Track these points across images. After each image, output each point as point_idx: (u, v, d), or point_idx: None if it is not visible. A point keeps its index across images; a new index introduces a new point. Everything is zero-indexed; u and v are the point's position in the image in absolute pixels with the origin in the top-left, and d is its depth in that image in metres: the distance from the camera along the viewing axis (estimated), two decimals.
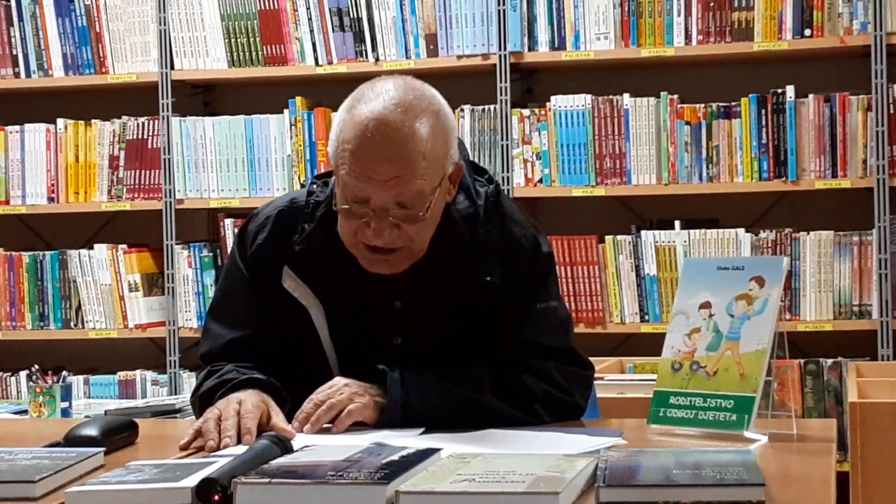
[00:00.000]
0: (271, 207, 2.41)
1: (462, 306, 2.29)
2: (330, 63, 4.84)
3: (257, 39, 4.90)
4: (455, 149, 2.25)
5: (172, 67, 4.96)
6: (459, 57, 4.76)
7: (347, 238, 2.22)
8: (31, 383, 3.70)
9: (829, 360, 4.50)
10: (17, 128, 5.12)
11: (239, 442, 2.06)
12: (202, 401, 2.28)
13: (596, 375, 2.49)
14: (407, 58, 4.77)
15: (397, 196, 2.15)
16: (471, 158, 2.45)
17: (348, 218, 2.20)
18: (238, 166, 4.93)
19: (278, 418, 2.14)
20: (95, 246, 5.06)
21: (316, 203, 2.33)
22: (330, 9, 4.84)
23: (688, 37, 4.61)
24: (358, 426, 2.16)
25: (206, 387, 2.30)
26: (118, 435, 2.13)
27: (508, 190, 4.65)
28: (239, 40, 4.92)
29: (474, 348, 2.31)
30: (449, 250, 2.28)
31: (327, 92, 4.82)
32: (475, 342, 2.31)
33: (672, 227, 4.64)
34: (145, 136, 5.01)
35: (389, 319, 2.31)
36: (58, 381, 3.68)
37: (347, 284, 2.30)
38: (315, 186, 2.37)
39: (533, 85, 4.95)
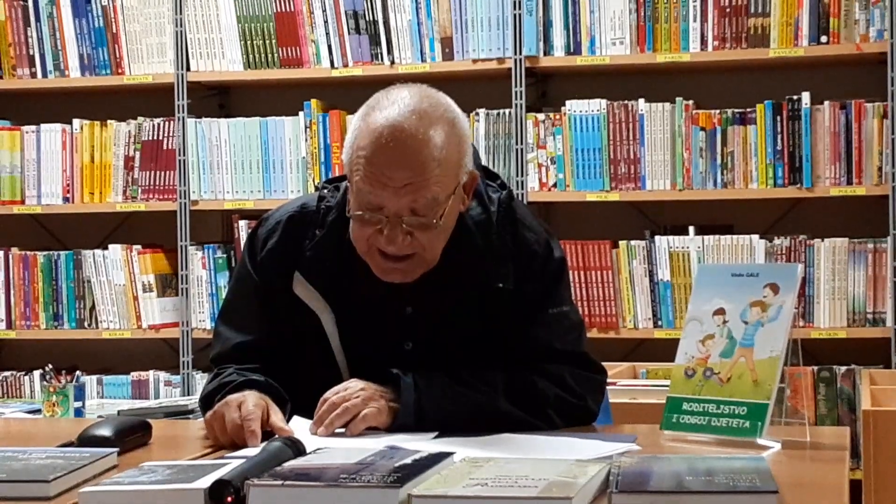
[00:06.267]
0: (282, 212, 2.40)
1: (474, 312, 2.29)
2: (345, 66, 4.84)
3: (273, 41, 4.91)
4: (469, 157, 2.25)
5: (188, 69, 4.98)
6: (475, 61, 4.76)
7: (361, 245, 2.22)
8: (45, 383, 3.70)
9: (843, 368, 4.49)
10: (32, 128, 5.13)
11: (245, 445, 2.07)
12: (203, 404, 2.30)
13: (609, 381, 2.49)
14: (422, 61, 4.78)
15: (411, 203, 2.15)
16: (483, 163, 2.45)
17: (362, 225, 2.20)
18: (253, 168, 4.94)
19: (277, 417, 2.15)
20: (110, 246, 5.08)
21: (327, 208, 2.33)
22: (346, 11, 4.84)
23: (703, 42, 4.60)
24: (371, 429, 2.17)
25: (206, 390, 2.31)
26: (131, 435, 2.13)
27: (523, 194, 4.65)
28: (255, 42, 4.93)
29: (486, 353, 2.31)
30: (461, 257, 2.28)
31: (342, 95, 4.83)
32: (487, 347, 2.31)
33: (686, 233, 4.63)
34: (160, 138, 5.02)
35: (400, 325, 2.31)
36: (71, 381, 3.68)
37: (358, 290, 2.30)
38: (326, 191, 2.36)
39: (548, 89, 4.95)
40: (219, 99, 5.20)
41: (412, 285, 2.28)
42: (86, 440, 2.06)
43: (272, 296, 2.34)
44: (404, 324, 2.31)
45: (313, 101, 4.89)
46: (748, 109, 4.59)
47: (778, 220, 4.76)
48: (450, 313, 2.29)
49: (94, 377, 5.02)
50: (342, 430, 2.15)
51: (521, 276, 2.31)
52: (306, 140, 4.88)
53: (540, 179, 4.72)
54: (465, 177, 2.23)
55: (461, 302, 2.29)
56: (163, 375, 5.03)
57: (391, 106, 2.17)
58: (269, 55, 4.92)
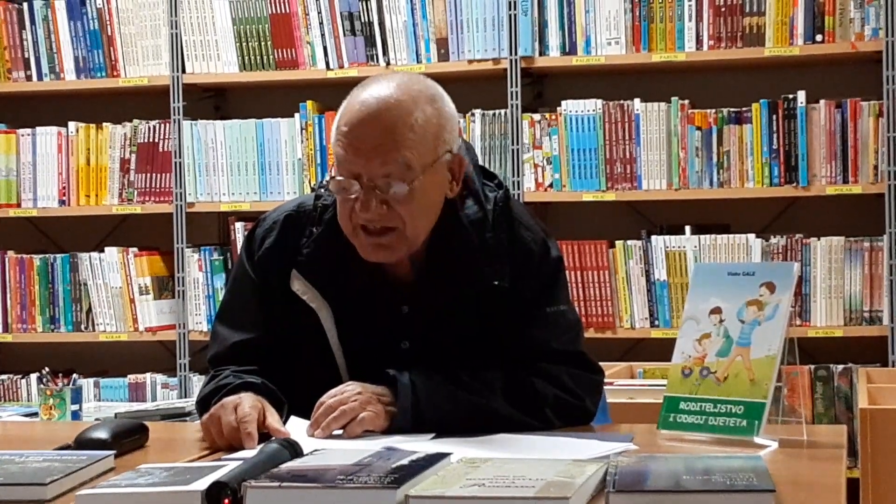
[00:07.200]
0: (279, 212, 2.42)
1: (470, 310, 2.30)
2: (341, 67, 4.84)
3: (268, 43, 4.91)
4: (453, 138, 2.27)
5: (184, 71, 4.97)
6: (470, 61, 4.76)
7: (345, 224, 2.25)
8: (42, 386, 3.70)
9: (840, 366, 4.49)
10: (28, 131, 5.13)
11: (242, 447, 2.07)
12: (199, 406, 2.31)
13: (606, 380, 2.49)
14: (418, 62, 4.78)
15: (383, 167, 2.18)
16: (480, 163, 2.46)
17: (343, 201, 2.22)
18: (249, 170, 4.94)
19: (273, 419, 2.16)
20: (106, 249, 5.07)
21: (324, 207, 2.35)
22: (341, 13, 4.84)
23: (699, 42, 4.60)
24: (369, 431, 2.16)
25: (203, 392, 2.32)
26: (128, 438, 2.13)
27: (519, 195, 4.65)
28: (250, 44, 4.92)
29: (483, 352, 2.31)
30: (457, 255, 2.29)
31: (338, 96, 4.73)
32: (484, 346, 2.31)
33: (682, 233, 4.63)
34: (156, 140, 5.02)
35: (397, 324, 2.32)
36: (68, 384, 3.68)
37: (355, 288, 2.31)
38: (323, 190, 2.38)
39: (544, 89, 4.95)
40: (214, 101, 5.20)
41: (408, 284, 2.30)
42: (83, 443, 2.06)
43: (270, 294, 2.35)
44: (401, 323, 2.31)
45: (309, 103, 4.89)
46: (744, 109, 4.59)
47: (774, 219, 4.77)
48: (446, 312, 2.30)
49: (91, 380, 5.01)
50: (339, 431, 2.15)
51: (518, 275, 2.31)
52: (302, 142, 4.88)
53: (536, 180, 4.72)
54: (447, 155, 2.25)
55: (457, 301, 2.29)
56: (160, 378, 5.02)
57: (373, 84, 2.25)
58: (265, 57, 4.92)
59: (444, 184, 2.28)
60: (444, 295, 2.29)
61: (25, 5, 5.12)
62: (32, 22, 5.11)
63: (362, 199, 2.19)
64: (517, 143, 4.70)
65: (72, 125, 5.09)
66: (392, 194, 2.19)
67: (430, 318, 2.30)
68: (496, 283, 2.29)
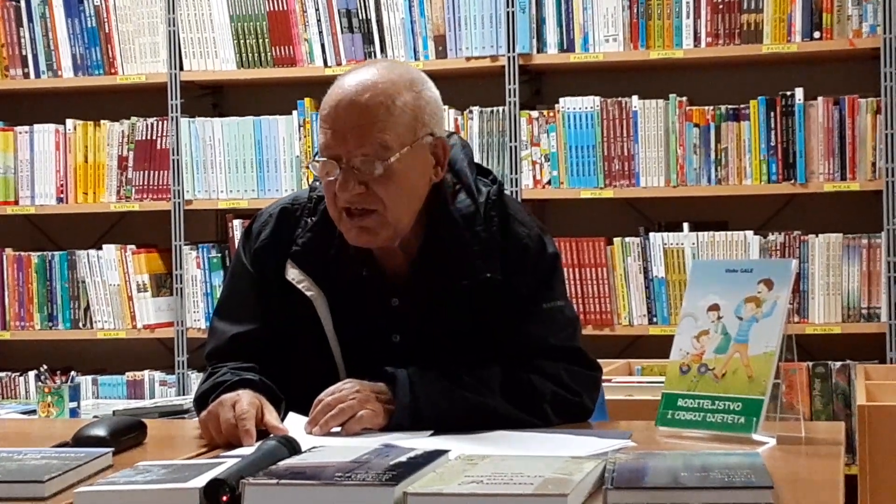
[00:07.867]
0: (274, 206, 2.45)
1: (463, 305, 2.30)
2: (339, 64, 4.84)
3: (266, 40, 4.91)
4: (435, 121, 2.28)
5: (181, 68, 4.97)
6: (468, 58, 4.76)
7: (332, 210, 2.27)
8: (40, 383, 3.70)
9: (838, 363, 4.49)
10: (26, 128, 5.13)
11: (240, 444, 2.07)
12: (197, 404, 2.31)
13: (604, 377, 2.49)
14: (416, 59, 4.78)
15: (361, 147, 2.20)
16: (477, 160, 2.46)
17: (323, 178, 2.24)
18: (246, 167, 4.93)
19: (271, 416, 2.16)
20: (104, 246, 5.07)
21: (318, 198, 2.36)
22: (339, 10, 4.84)
23: (697, 39, 4.60)
24: (367, 428, 2.17)
25: (200, 390, 2.32)
26: (126, 435, 2.13)
27: (517, 192, 4.65)
28: (248, 41, 4.92)
29: (476, 347, 2.31)
30: (448, 248, 2.29)
31: None
32: (477, 341, 2.31)
33: (680, 230, 4.63)
34: (154, 137, 5.02)
35: (388, 317, 2.33)
36: (66, 382, 3.69)
37: (347, 279, 2.32)
38: (317, 183, 2.39)
39: (541, 87, 4.95)
40: (212, 98, 5.20)
41: (398, 278, 2.31)
42: (81, 440, 2.06)
43: (267, 286, 2.36)
44: (391, 316, 2.32)
45: (307, 100, 4.89)
46: (741, 105, 4.59)
47: (772, 216, 4.77)
48: (437, 306, 2.30)
49: (89, 377, 5.01)
50: (337, 429, 2.15)
51: (513, 271, 2.31)
52: (300, 139, 4.88)
53: (534, 177, 4.72)
54: (428, 138, 2.27)
55: (449, 295, 2.29)
56: (158, 375, 5.02)
57: (355, 70, 2.28)
58: (262, 54, 4.92)
59: (427, 167, 2.28)
60: (435, 289, 2.30)
61: (23, 2, 5.11)
62: (30, 19, 5.11)
63: (341, 180, 2.22)
64: (515, 141, 4.70)
65: (69, 123, 5.09)
66: (369, 174, 2.21)
67: (422, 312, 2.31)
68: (488, 275, 2.28)
